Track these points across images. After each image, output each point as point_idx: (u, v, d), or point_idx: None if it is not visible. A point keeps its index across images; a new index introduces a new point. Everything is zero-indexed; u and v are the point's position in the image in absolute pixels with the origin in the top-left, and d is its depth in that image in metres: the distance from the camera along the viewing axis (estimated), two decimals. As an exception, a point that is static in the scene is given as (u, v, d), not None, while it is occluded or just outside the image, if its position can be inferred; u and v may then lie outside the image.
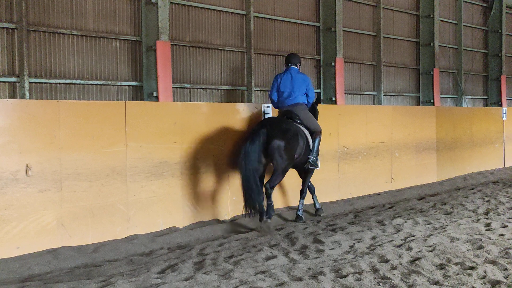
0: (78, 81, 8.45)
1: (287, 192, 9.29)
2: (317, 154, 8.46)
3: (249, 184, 7.38)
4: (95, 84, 8.67)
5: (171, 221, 7.66)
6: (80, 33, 8.46)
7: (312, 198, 9.01)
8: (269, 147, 7.56)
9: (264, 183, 7.75)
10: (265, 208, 7.62)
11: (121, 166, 7.14)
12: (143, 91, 9.18)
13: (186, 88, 9.88)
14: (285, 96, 8.43)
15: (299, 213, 8.54)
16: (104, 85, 8.77)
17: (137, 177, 7.30)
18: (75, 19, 8.46)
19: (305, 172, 8.61)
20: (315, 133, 8.43)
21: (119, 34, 8.94)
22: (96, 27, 8.71)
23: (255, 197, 7.38)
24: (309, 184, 8.77)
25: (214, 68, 10.37)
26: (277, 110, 8.73)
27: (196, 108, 8.21)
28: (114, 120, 7.11)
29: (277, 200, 9.04)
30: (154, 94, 8.96)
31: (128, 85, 9.08)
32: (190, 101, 9.88)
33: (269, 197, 7.72)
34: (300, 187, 8.70)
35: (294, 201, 9.24)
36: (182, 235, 7.40)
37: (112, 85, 8.86)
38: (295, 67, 8.62)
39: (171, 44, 9.37)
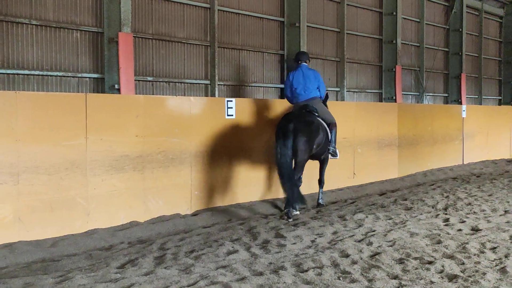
0: (37, 72, 8.25)
1: (263, 185, 9.37)
2: (335, 144, 9.01)
3: (289, 178, 7.88)
4: (54, 76, 8.48)
5: (132, 215, 7.56)
6: (40, 23, 8.26)
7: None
8: (295, 141, 7.98)
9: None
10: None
11: (81, 159, 7.01)
12: (104, 84, 9.02)
13: (149, 81, 9.77)
14: (298, 92, 8.89)
15: (320, 201, 9.33)
16: (64, 76, 8.59)
17: (97, 170, 7.18)
18: (35, 8, 8.25)
19: (321, 163, 9.28)
20: (331, 125, 8.96)
21: (80, 25, 8.76)
22: (57, 17, 8.52)
23: (293, 188, 7.92)
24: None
25: (178, 61, 10.27)
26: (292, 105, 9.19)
27: (158, 102, 8.11)
28: (74, 113, 6.97)
29: (253, 193, 9.20)
30: (116, 86, 8.81)
31: (89, 77, 8.91)
32: (153, 94, 9.76)
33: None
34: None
35: (268, 194, 9.41)
36: (143, 229, 7.33)
37: (73, 76, 8.69)
38: (305, 64, 9.09)
39: (134, 36, 9.23)
